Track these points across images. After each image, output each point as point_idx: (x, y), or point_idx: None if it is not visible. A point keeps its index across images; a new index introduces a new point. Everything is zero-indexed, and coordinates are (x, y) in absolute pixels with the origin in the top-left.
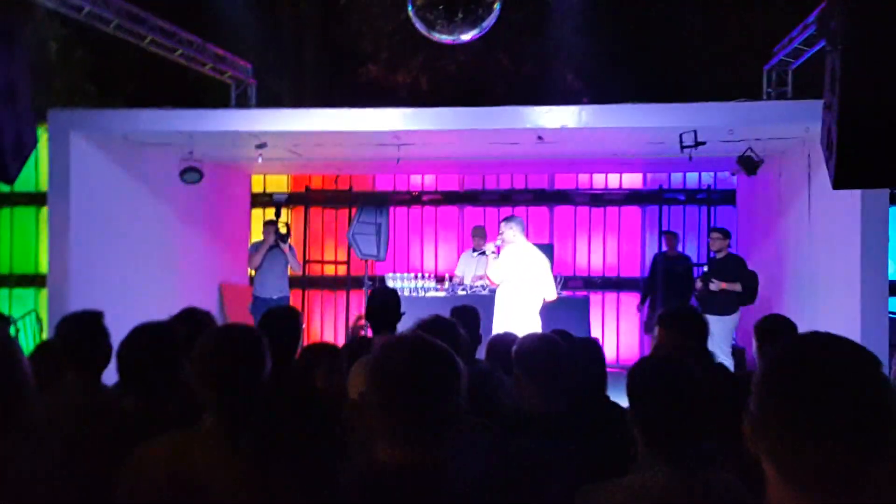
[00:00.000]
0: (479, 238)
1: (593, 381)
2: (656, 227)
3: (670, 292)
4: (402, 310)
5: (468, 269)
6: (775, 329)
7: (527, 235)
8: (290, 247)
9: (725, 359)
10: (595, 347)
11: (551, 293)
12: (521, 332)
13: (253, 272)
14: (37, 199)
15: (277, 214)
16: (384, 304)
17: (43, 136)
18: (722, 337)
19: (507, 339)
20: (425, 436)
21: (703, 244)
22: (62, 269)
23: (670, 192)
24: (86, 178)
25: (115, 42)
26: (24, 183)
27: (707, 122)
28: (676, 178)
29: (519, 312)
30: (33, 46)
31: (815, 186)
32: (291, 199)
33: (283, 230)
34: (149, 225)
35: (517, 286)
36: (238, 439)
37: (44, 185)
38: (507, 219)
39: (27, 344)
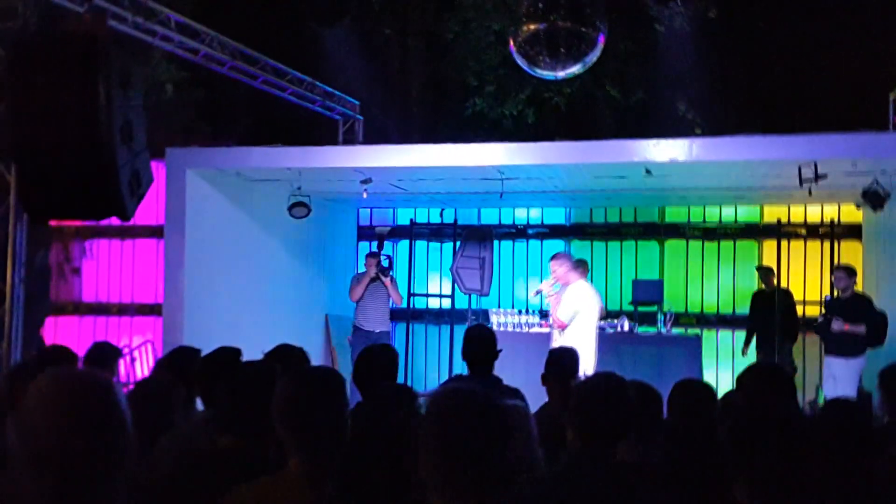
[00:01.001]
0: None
1: (701, 429)
2: (775, 262)
3: (773, 331)
4: (500, 347)
5: None
6: None
7: (634, 270)
8: (392, 279)
9: None
10: (699, 392)
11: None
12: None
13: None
14: (157, 232)
15: (380, 247)
16: (480, 342)
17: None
18: (846, 380)
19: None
20: (477, 492)
21: (826, 281)
22: (177, 301)
23: (790, 226)
24: (200, 213)
25: (229, 81)
26: (146, 216)
27: (828, 154)
28: (797, 210)
29: (583, 350)
30: (151, 88)
31: None
32: (396, 232)
33: (384, 263)
34: (258, 258)
35: (580, 324)
36: (322, 483)
37: (162, 218)
38: (556, 256)
39: (143, 372)
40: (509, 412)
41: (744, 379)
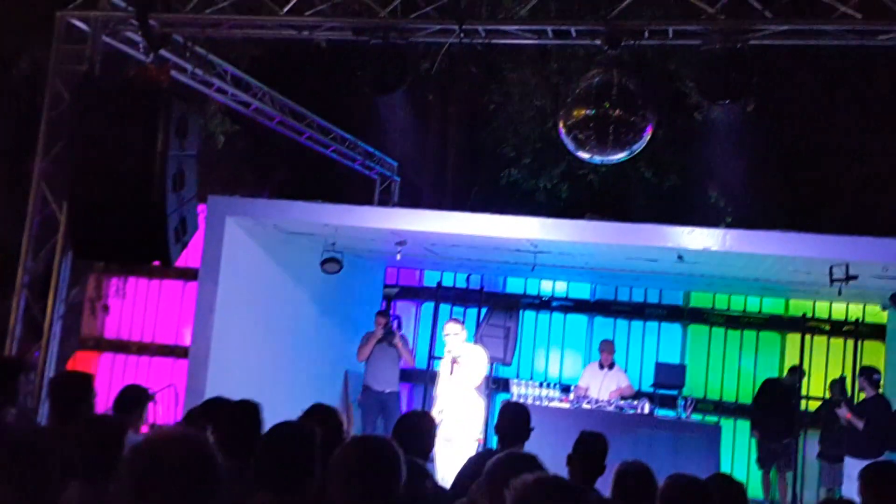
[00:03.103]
0: (606, 353)
1: None
2: (798, 356)
3: (777, 421)
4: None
5: (593, 383)
6: (886, 478)
7: (656, 352)
8: (402, 339)
9: None
10: (736, 491)
11: None
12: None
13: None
14: (186, 275)
15: (388, 307)
16: (515, 419)
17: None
18: None
19: (639, 469)
20: None
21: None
22: (204, 345)
23: (814, 321)
24: (235, 261)
25: (272, 132)
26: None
27: (860, 256)
28: (822, 306)
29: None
30: (203, 138)
31: None
32: (421, 294)
33: (393, 324)
34: (286, 309)
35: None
36: None
37: (192, 261)
38: (455, 320)
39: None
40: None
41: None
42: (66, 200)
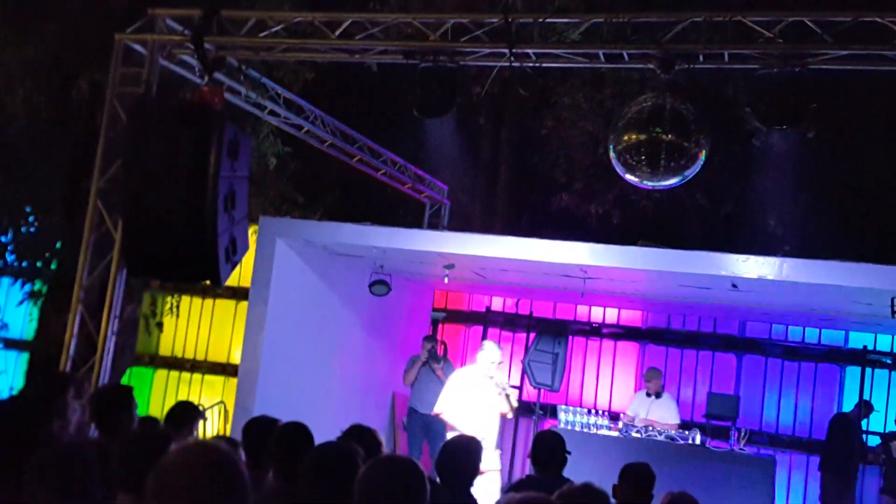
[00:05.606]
0: (653, 382)
1: None
2: (857, 390)
3: (841, 457)
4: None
5: (641, 411)
6: None
7: (709, 382)
8: (443, 365)
9: None
10: None
11: None
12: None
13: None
14: (238, 294)
15: (435, 331)
16: (550, 447)
17: (251, 238)
18: None
19: (687, 501)
20: None
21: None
22: (253, 365)
23: (875, 354)
24: (285, 282)
25: (325, 156)
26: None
27: None
28: (884, 339)
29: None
30: (255, 160)
31: None
32: (469, 318)
33: (438, 351)
34: (334, 330)
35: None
36: None
37: (244, 281)
38: (495, 344)
39: (214, 433)
40: None
41: None
42: (121, 219)
